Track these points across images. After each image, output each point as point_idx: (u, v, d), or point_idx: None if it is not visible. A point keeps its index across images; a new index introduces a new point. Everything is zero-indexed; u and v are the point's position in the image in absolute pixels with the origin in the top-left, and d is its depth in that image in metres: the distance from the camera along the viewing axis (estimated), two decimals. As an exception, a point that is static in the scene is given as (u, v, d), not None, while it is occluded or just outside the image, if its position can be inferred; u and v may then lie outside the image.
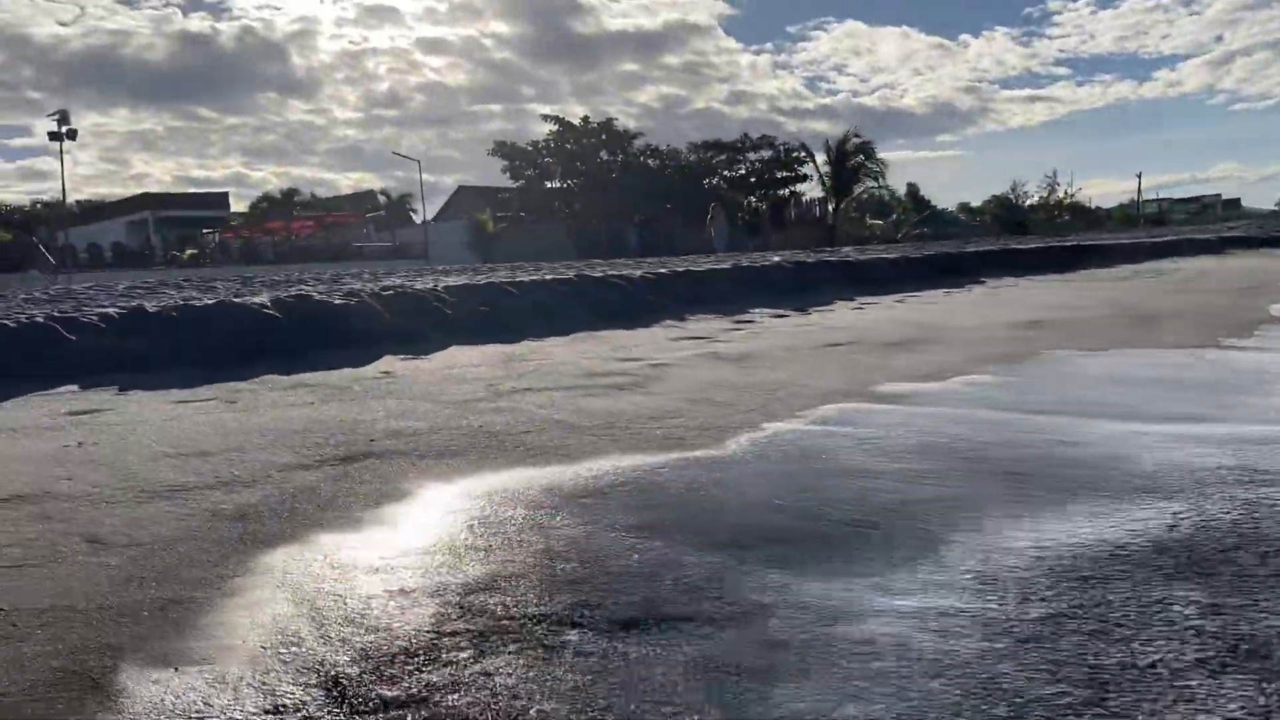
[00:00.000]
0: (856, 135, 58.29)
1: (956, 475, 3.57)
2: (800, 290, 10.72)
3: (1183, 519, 2.85)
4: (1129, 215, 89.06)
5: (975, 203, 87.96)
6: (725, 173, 60.03)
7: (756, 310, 9.43)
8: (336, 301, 8.00)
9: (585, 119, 55.08)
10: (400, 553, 2.77)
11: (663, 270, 10.28)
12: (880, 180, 60.26)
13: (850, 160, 58.40)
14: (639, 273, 10.11)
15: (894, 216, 74.81)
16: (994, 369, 6.14)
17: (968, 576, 2.42)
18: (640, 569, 2.57)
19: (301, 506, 3.36)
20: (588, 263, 17.37)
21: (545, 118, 55.36)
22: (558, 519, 3.09)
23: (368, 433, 4.68)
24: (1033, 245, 15.59)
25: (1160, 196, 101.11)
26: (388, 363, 7.18)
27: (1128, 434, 4.22)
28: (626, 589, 2.39)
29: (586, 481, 3.58)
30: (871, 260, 12.10)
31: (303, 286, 9.82)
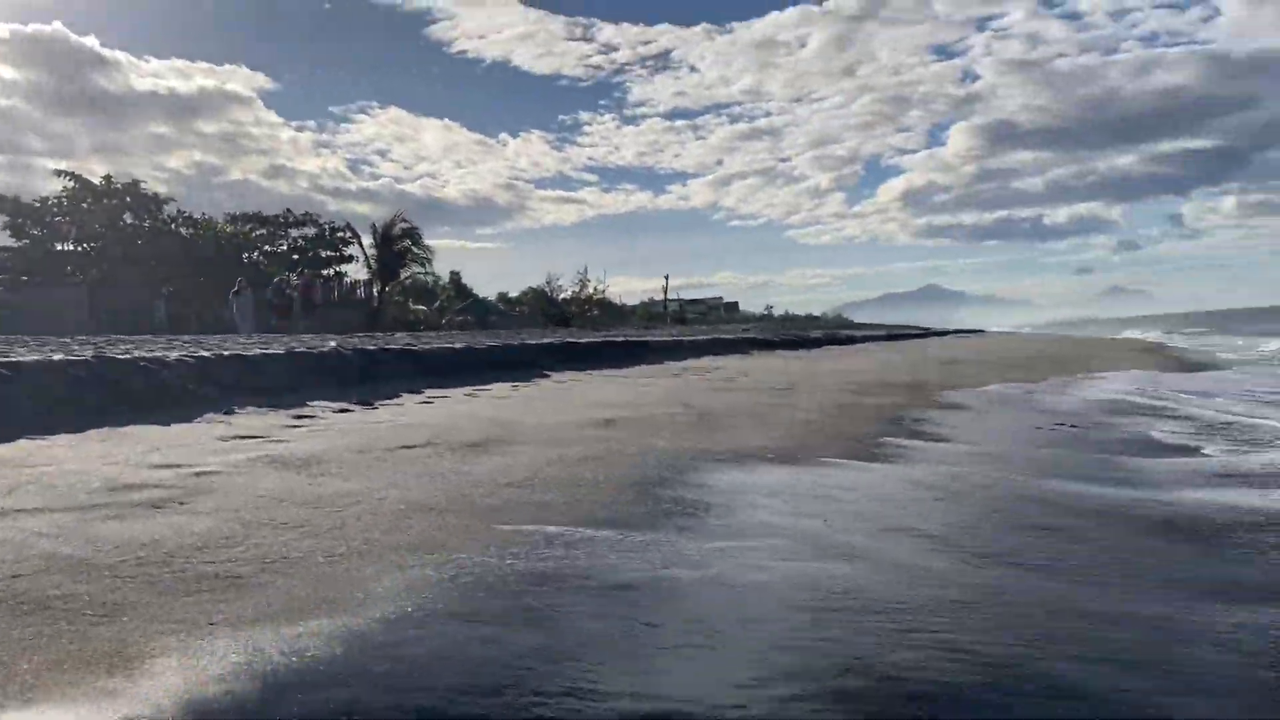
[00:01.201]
0: (404, 220, 58.07)
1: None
2: (364, 380, 9.84)
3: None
4: (652, 313, 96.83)
5: (513, 293, 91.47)
6: (266, 248, 57.02)
7: (318, 403, 8.44)
8: None
9: (108, 178, 49.56)
10: None
11: (206, 353, 8.95)
12: (427, 266, 60.31)
13: (397, 244, 57.94)
14: (175, 354, 8.71)
15: (438, 303, 75.50)
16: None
17: None
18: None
19: None
20: (109, 338, 15.14)
21: (59, 173, 49.13)
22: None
23: None
24: (589, 340, 15.84)
25: (675, 297, 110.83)
26: None
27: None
28: None
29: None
30: (437, 349, 11.49)
31: None
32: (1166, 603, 3.93)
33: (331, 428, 7.12)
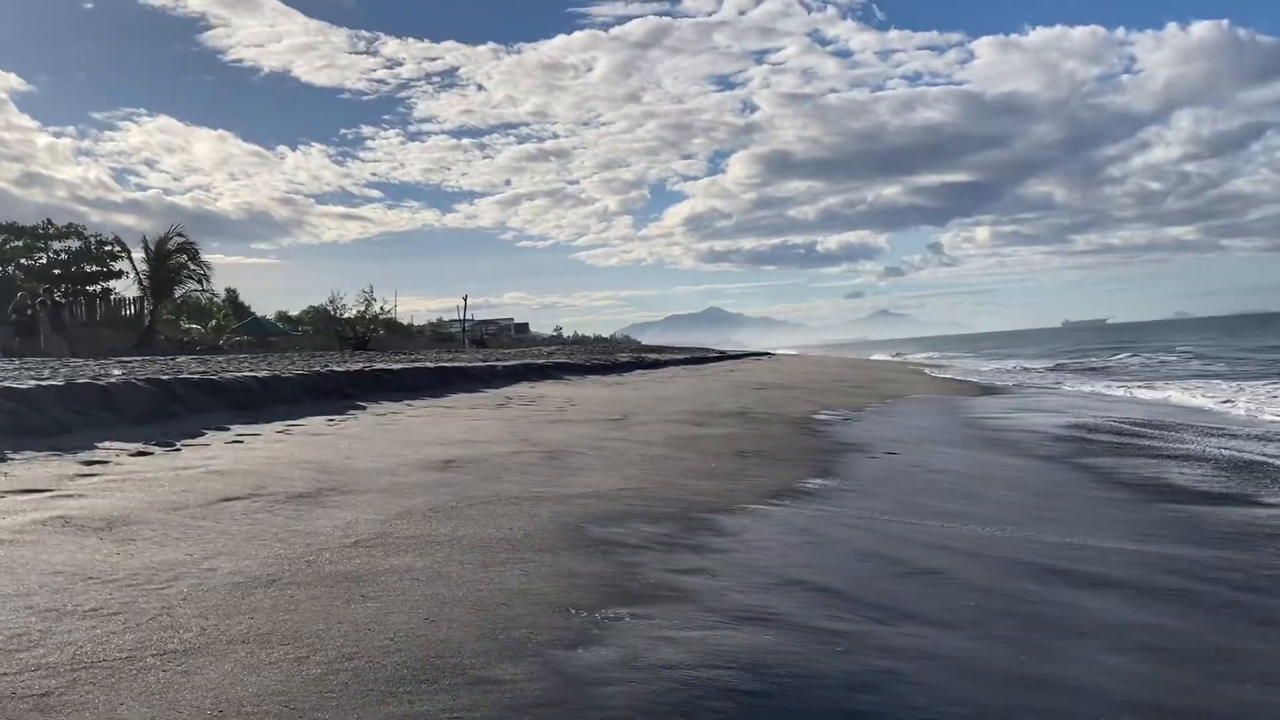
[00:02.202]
0: (180, 235, 54.69)
1: None
2: (159, 416, 8.68)
3: None
4: (441, 334, 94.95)
5: (294, 311, 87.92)
6: (23, 261, 52.20)
7: (109, 445, 7.31)
8: None
9: None
10: None
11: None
12: (205, 284, 56.88)
13: (171, 260, 54.34)
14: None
15: (214, 322, 71.54)
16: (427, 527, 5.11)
17: None
18: None
19: None
20: None
21: None
22: None
23: None
24: (400, 366, 14.91)
25: (469, 318, 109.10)
26: None
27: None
28: None
29: None
30: (241, 379, 10.37)
31: None
32: None
33: (132, 477, 6.11)
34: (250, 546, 4.73)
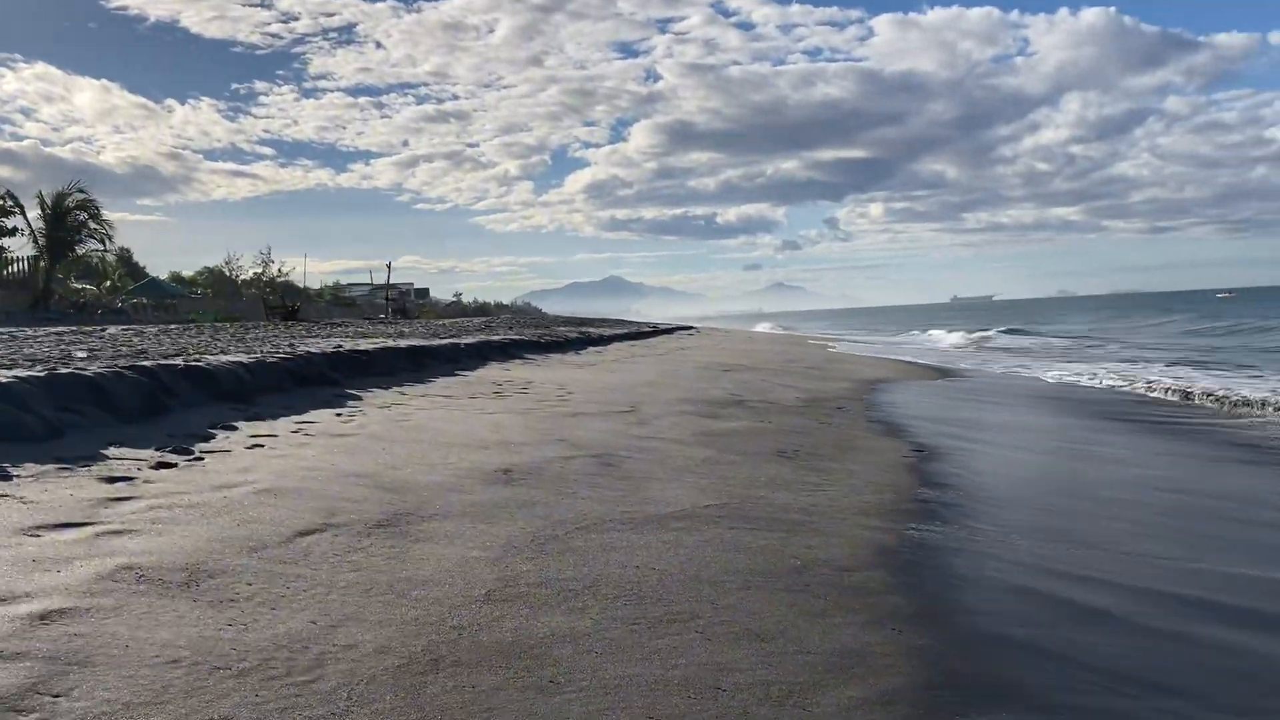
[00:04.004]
0: (81, 190, 51.54)
1: None
2: (150, 411, 7.53)
3: None
4: (341, 298, 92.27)
5: (188, 272, 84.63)
6: (-100, 212, 48.52)
7: (115, 452, 6.23)
8: None
9: None
10: None
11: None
12: (108, 243, 53.82)
13: (70, 217, 51.23)
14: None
15: (109, 282, 68.25)
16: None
17: None
18: None
19: None
20: None
21: None
22: None
23: None
24: (370, 346, 13.85)
25: (366, 282, 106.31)
26: None
27: None
28: None
29: None
30: (227, 367, 9.26)
31: None
32: None
33: (174, 501, 5.13)
34: (373, 606, 3.86)
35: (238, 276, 78.94)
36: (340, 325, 28.48)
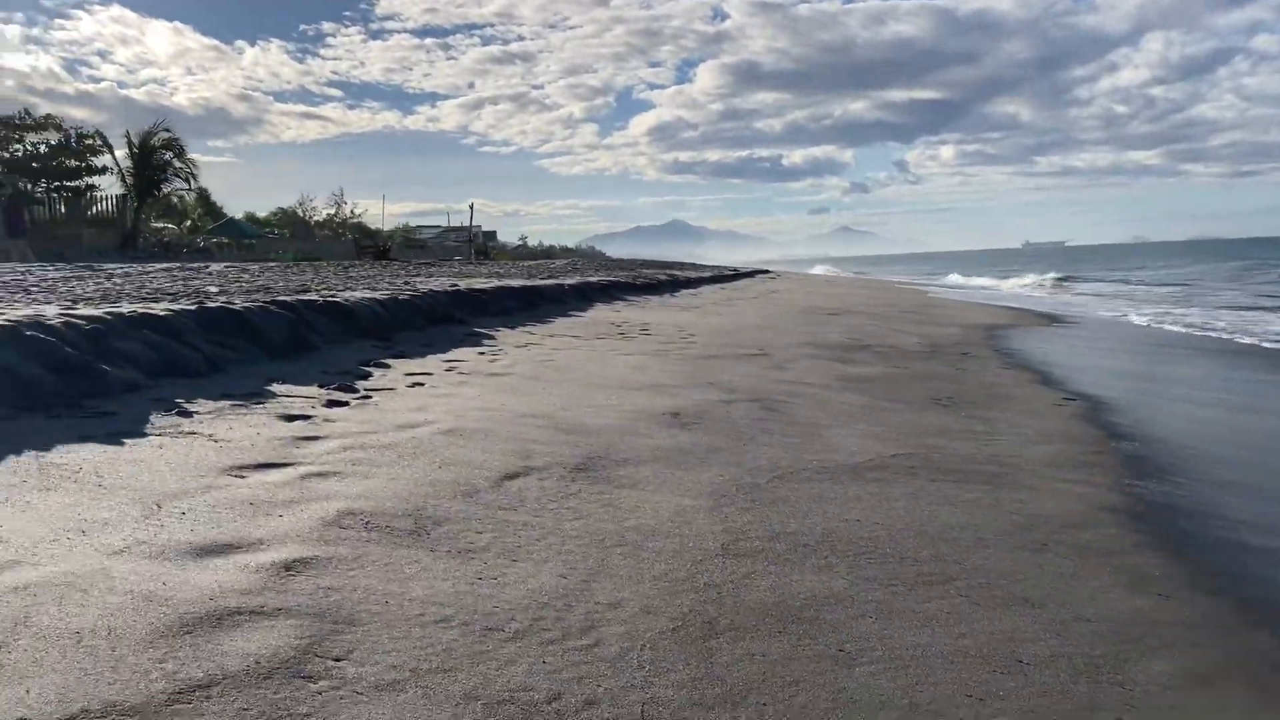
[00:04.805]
0: (166, 130, 51.92)
1: None
2: (296, 347, 7.30)
3: None
4: (412, 240, 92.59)
5: (261, 213, 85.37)
6: (2, 154, 49.23)
7: (281, 389, 6.00)
8: None
9: None
10: None
11: (83, 310, 6.25)
12: (193, 183, 54.31)
13: (156, 157, 51.74)
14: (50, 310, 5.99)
15: (189, 222, 69.08)
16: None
17: None
18: None
19: None
20: None
21: None
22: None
23: None
24: (486, 286, 13.61)
25: (426, 224, 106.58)
26: None
27: None
28: None
29: None
30: (365, 304, 9.04)
31: None
32: None
33: (362, 440, 4.87)
34: (613, 559, 3.55)
35: (311, 218, 79.56)
36: (431, 265, 28.39)
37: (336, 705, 2.32)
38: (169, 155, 51.77)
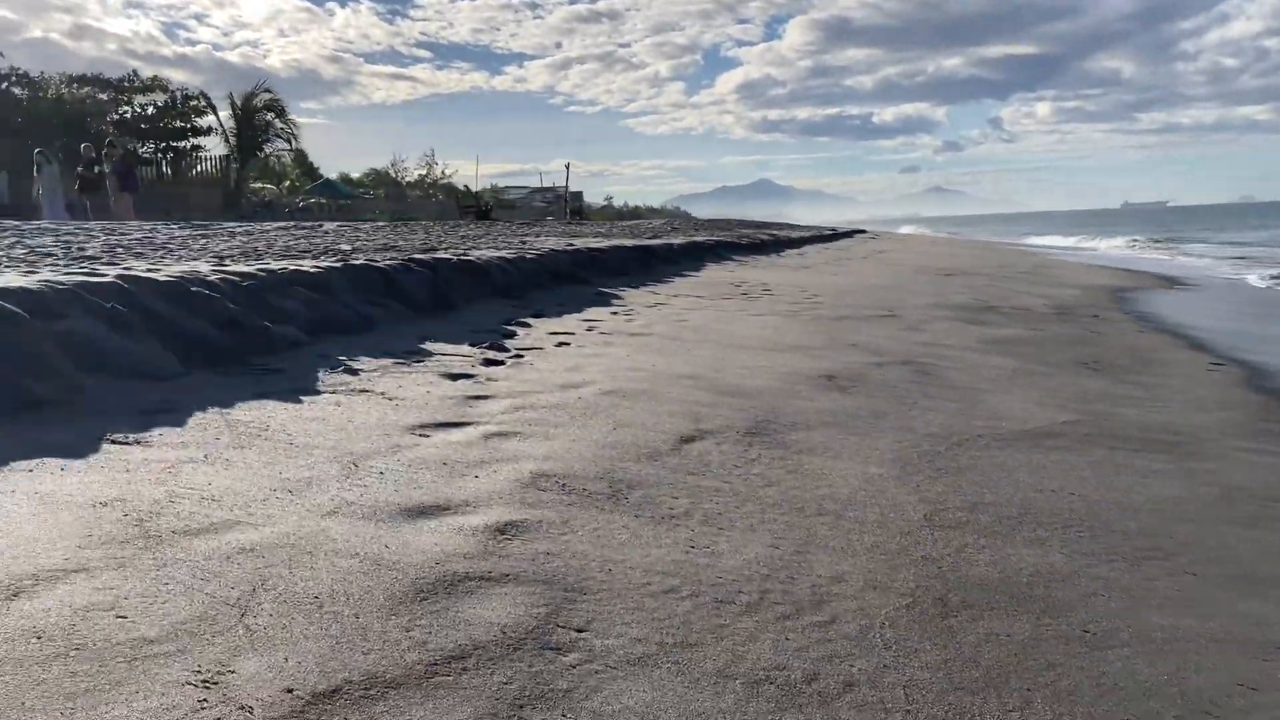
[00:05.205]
0: (267, 90, 52.82)
1: None
2: (437, 305, 7.28)
3: None
4: (502, 200, 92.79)
5: (354, 173, 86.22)
6: (112, 115, 50.61)
7: (432, 347, 5.98)
8: None
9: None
10: None
11: (237, 267, 6.27)
12: (294, 142, 55.21)
13: (258, 117, 52.67)
14: (206, 269, 6.02)
15: (288, 182, 70.22)
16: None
17: None
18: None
19: None
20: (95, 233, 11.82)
21: None
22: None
23: None
24: (608, 245, 13.52)
25: (513, 184, 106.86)
26: None
27: None
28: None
29: None
30: (497, 263, 8.98)
31: None
32: None
33: (529, 400, 4.79)
34: (820, 529, 3.40)
35: (403, 178, 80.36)
36: (531, 225, 28.40)
37: (594, 680, 2.20)
38: (270, 116, 52.69)
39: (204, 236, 12.38)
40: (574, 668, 2.25)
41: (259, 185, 62.21)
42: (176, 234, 12.90)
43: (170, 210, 36.22)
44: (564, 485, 3.50)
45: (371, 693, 2.05)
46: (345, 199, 64.43)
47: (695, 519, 3.35)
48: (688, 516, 3.36)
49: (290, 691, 2.02)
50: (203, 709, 1.92)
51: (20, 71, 46.12)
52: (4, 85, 44.94)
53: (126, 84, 52.80)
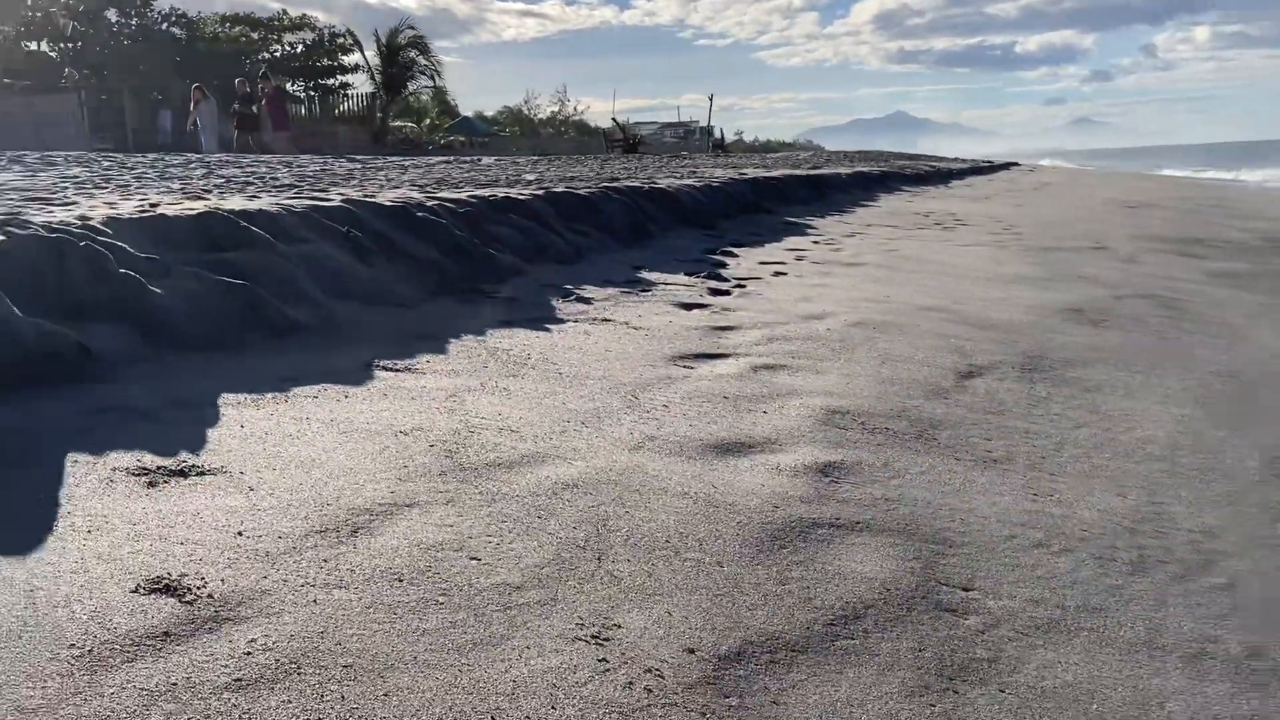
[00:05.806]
0: (411, 28, 53.12)
1: None
2: (636, 235, 7.06)
3: None
4: (645, 136, 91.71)
5: (489, 111, 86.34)
6: (264, 55, 51.81)
7: (653, 277, 5.74)
8: None
9: (75, -34, 43.72)
10: None
11: (449, 194, 6.11)
12: (437, 80, 55.55)
13: (402, 54, 53.12)
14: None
15: (428, 121, 70.97)
16: None
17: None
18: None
19: None
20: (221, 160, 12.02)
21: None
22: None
23: None
24: (783, 174, 13.07)
25: (644, 120, 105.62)
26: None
27: None
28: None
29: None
30: (687, 192, 8.68)
31: None
32: None
33: (776, 332, 4.50)
34: (1157, 476, 3.00)
35: (535, 115, 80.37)
36: (681, 158, 27.93)
37: (1012, 648, 1.90)
38: (414, 53, 53.04)
39: (376, 169, 12.39)
40: (982, 633, 1.95)
41: (399, 123, 63.02)
42: (350, 167, 12.96)
43: (320, 148, 36.96)
44: (864, 424, 3.19)
45: (779, 657, 1.79)
46: (483, 136, 64.78)
47: (1020, 463, 3.00)
48: (1010, 460, 3.02)
49: (692, 653, 1.77)
50: (605, 670, 1.69)
51: (180, 12, 47.45)
52: (165, 25, 46.36)
53: (275, 22, 53.91)
